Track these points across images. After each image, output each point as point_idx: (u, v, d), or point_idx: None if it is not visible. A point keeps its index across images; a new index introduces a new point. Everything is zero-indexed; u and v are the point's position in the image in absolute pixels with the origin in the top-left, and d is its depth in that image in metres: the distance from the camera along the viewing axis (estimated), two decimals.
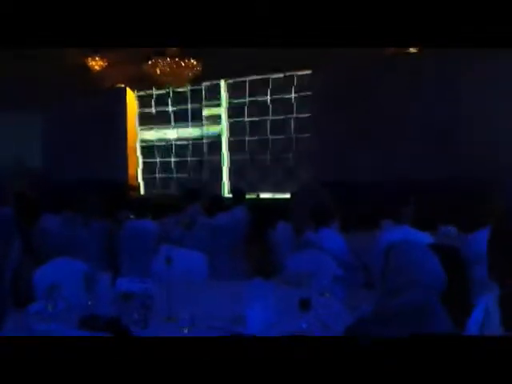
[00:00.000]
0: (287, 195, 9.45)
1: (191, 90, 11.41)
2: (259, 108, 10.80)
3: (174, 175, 11.81)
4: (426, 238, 3.83)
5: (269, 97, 10.67)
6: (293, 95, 10.36)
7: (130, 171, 11.92)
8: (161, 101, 11.87)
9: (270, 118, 10.71)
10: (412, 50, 8.38)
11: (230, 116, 11.18)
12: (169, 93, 11.64)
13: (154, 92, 11.84)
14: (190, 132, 11.59)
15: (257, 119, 10.86)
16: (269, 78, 10.55)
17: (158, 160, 12.02)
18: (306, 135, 9.98)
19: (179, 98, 11.65)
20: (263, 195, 10.55)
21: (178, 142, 11.77)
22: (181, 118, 11.69)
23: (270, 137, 10.71)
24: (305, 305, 2.80)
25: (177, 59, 8.88)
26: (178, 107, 11.70)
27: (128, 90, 11.89)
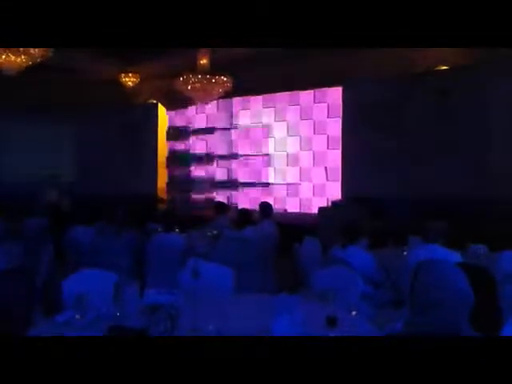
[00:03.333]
0: (315, 211, 9.42)
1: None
2: (289, 124, 10.85)
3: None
4: (454, 256, 3.77)
5: (299, 112, 10.70)
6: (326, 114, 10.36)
7: (159, 184, 12.08)
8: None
9: (300, 134, 10.73)
10: (441, 67, 8.33)
11: None
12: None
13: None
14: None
15: (285, 135, 10.91)
16: (298, 94, 10.59)
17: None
18: (336, 151, 9.95)
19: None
20: (291, 210, 10.53)
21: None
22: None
23: (301, 152, 10.72)
24: (332, 322, 2.78)
25: (207, 76, 9.01)
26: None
27: (159, 105, 12.10)
